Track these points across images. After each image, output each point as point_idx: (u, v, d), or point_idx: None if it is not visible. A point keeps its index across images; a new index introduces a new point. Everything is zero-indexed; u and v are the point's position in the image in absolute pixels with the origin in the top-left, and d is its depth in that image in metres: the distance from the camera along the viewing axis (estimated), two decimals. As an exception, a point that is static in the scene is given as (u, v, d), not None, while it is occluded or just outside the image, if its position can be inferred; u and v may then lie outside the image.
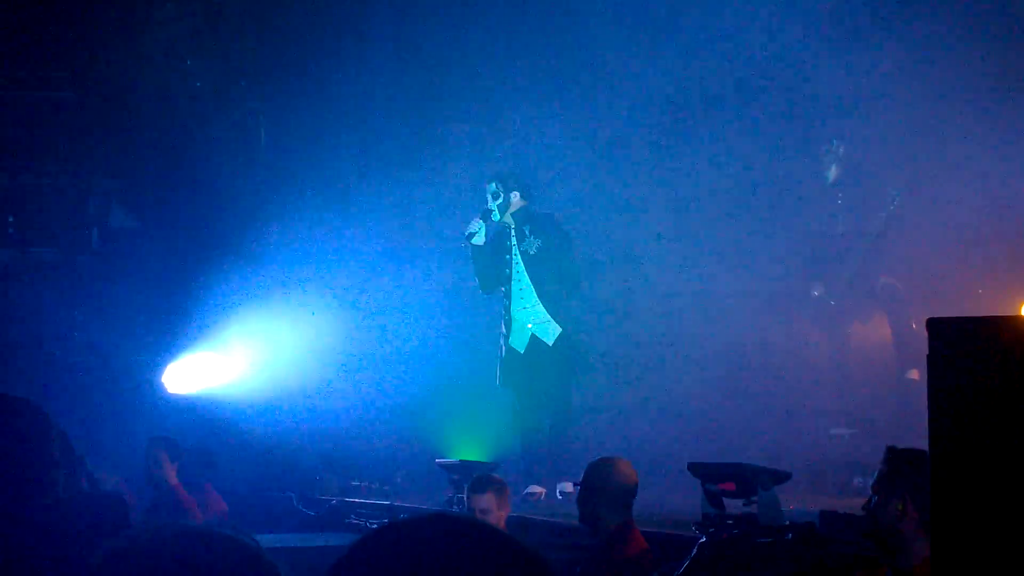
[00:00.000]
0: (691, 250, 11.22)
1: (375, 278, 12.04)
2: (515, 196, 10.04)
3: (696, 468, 6.30)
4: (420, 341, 11.92)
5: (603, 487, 6.55)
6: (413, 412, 11.69)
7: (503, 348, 10.11)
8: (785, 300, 10.86)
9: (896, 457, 4.83)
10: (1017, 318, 2.83)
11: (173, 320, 12.27)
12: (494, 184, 10.09)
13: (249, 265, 12.06)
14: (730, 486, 6.14)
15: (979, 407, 2.70)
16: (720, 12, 11.07)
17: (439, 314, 12.00)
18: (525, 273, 9.99)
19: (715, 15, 11.10)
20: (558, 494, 9.45)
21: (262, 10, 12.81)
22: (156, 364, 12.22)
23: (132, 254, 13.33)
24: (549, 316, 9.92)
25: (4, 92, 13.20)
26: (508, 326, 10.08)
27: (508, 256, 10.08)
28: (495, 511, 7.14)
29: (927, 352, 2.78)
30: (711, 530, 6.07)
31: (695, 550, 6.08)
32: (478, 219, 10.04)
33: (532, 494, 9.57)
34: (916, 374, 9.81)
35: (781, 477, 6.23)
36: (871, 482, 4.91)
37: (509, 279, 10.07)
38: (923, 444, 2.85)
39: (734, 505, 6.17)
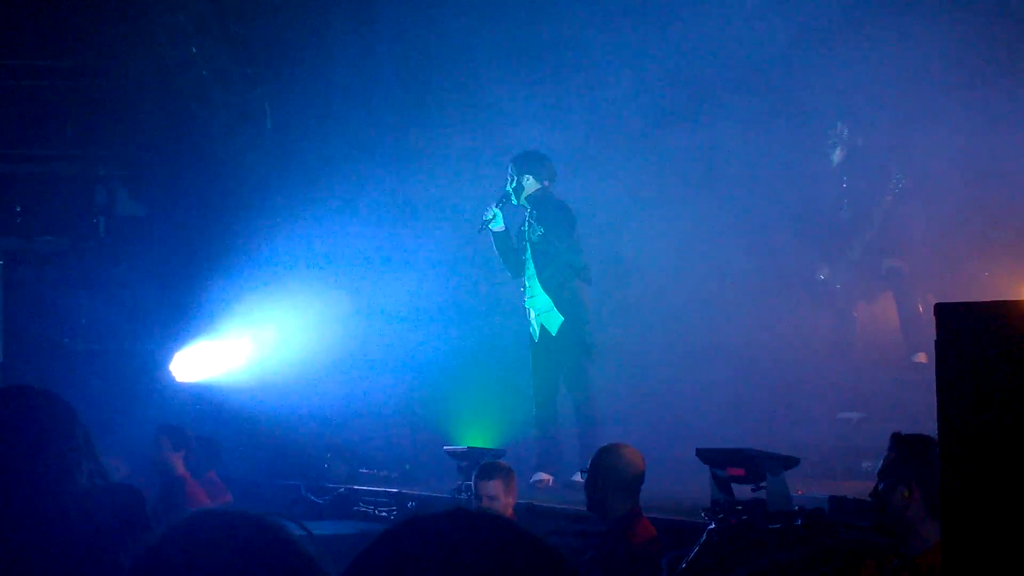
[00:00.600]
0: (696, 235, 11.18)
1: (382, 264, 12.02)
2: (528, 180, 9.73)
3: (704, 454, 6.29)
4: (428, 328, 11.89)
5: (611, 474, 6.55)
6: (421, 399, 11.69)
7: (529, 335, 10.03)
8: (791, 284, 10.84)
9: (901, 443, 4.82)
10: (1024, 303, 2.82)
11: (180, 308, 12.28)
12: (509, 167, 9.84)
13: (256, 252, 12.05)
14: (739, 472, 6.14)
15: (988, 392, 2.70)
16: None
17: (448, 300, 11.98)
18: (531, 260, 9.77)
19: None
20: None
21: (268, -2, 12.82)
22: (163, 352, 12.23)
23: (139, 242, 13.36)
24: (552, 305, 9.68)
25: (10, 80, 13.21)
26: (526, 314, 9.98)
27: (523, 242, 9.84)
28: (502, 498, 7.14)
29: (935, 336, 2.77)
30: (720, 516, 6.07)
31: (704, 536, 6.09)
32: (494, 205, 9.76)
33: (539, 481, 9.57)
34: (923, 357, 9.79)
35: (790, 462, 6.21)
36: (878, 468, 4.90)
37: (524, 265, 9.85)
38: (932, 426, 2.85)
39: (743, 491, 6.17)
